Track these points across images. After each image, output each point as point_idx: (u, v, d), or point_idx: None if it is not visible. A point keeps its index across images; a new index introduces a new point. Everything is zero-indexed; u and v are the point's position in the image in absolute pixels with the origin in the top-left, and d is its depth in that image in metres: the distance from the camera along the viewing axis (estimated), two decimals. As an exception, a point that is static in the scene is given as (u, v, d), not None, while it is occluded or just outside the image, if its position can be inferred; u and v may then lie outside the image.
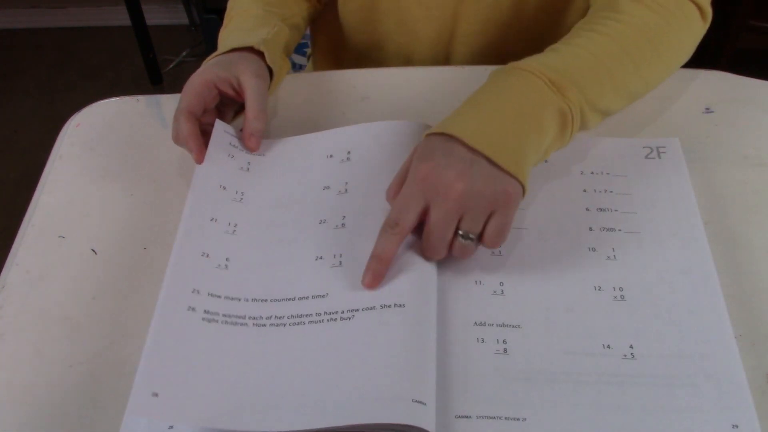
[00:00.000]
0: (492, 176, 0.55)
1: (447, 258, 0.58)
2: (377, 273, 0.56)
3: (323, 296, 0.56)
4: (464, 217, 0.55)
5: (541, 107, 0.59)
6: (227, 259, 0.59)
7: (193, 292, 0.56)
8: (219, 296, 0.56)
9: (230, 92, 0.68)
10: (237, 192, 0.64)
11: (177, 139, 0.66)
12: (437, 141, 0.57)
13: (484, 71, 0.77)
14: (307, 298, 0.56)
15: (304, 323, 0.55)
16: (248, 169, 0.67)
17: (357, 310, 0.54)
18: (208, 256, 0.59)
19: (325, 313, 0.55)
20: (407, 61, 0.86)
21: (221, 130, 0.67)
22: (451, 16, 0.80)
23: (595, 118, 0.64)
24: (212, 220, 0.61)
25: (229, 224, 0.62)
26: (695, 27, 0.68)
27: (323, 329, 0.54)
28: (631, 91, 0.66)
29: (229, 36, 0.74)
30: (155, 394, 0.49)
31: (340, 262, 0.59)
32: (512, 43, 0.82)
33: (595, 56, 0.63)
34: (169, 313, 0.54)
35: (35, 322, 0.59)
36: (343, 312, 0.55)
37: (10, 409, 0.54)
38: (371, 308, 0.54)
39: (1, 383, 0.55)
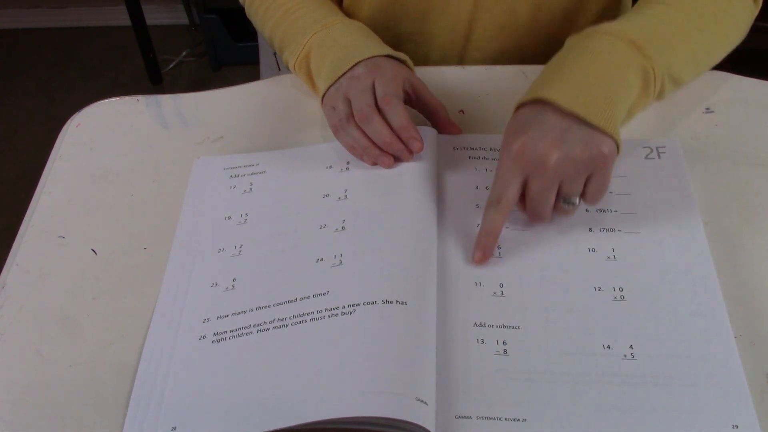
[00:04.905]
0: (586, 139, 0.56)
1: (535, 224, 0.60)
2: (488, 248, 0.58)
3: (324, 294, 0.56)
4: (564, 182, 0.57)
5: (624, 66, 0.59)
6: (234, 280, 0.60)
7: (203, 322, 0.57)
8: (227, 315, 0.57)
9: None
10: (241, 215, 0.65)
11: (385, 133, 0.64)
12: (528, 112, 0.58)
13: (499, 72, 0.77)
14: (308, 297, 0.57)
15: (306, 321, 0.55)
16: (251, 190, 0.67)
17: (358, 305, 0.54)
18: (216, 284, 0.60)
19: (326, 309, 0.55)
20: (421, 63, 0.86)
21: (219, 167, 0.69)
22: (466, 21, 0.80)
23: (669, 86, 0.63)
24: (220, 251, 0.62)
25: (235, 248, 0.62)
26: (748, 6, 0.69)
27: (325, 325, 0.54)
28: (699, 63, 0.66)
29: (356, 41, 0.71)
30: (174, 428, 0.50)
31: (341, 261, 0.59)
32: (525, 49, 0.82)
33: (666, 24, 0.63)
34: (183, 348, 0.55)
35: (35, 322, 0.59)
36: (344, 307, 0.55)
37: (10, 409, 0.54)
38: (372, 303, 0.54)
39: (1, 383, 0.55)
